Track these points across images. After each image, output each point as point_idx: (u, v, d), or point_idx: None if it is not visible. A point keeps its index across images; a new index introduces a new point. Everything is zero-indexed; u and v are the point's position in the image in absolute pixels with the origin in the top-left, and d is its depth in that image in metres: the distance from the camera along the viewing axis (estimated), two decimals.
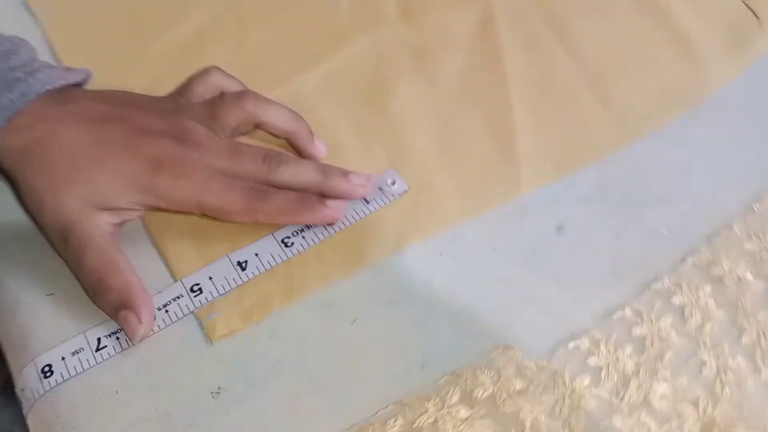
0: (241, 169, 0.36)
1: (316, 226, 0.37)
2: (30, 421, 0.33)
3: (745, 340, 0.35)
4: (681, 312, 0.35)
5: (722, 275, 0.37)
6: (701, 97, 0.44)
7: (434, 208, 0.38)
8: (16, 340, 0.34)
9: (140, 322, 0.33)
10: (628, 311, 0.35)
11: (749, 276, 0.37)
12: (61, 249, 0.35)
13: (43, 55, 0.43)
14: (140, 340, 0.33)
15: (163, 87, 0.41)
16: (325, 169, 0.37)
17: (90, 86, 0.40)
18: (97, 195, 0.34)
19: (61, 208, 0.34)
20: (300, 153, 0.40)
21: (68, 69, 0.39)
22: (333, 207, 0.36)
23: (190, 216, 0.37)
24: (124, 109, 0.37)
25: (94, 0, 0.48)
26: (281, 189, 0.36)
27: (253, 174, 0.36)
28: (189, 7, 0.47)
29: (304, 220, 0.37)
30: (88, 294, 0.34)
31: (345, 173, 0.38)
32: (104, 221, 0.35)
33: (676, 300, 0.36)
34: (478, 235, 0.38)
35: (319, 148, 0.40)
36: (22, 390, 0.33)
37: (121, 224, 0.36)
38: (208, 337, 0.34)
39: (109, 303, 0.33)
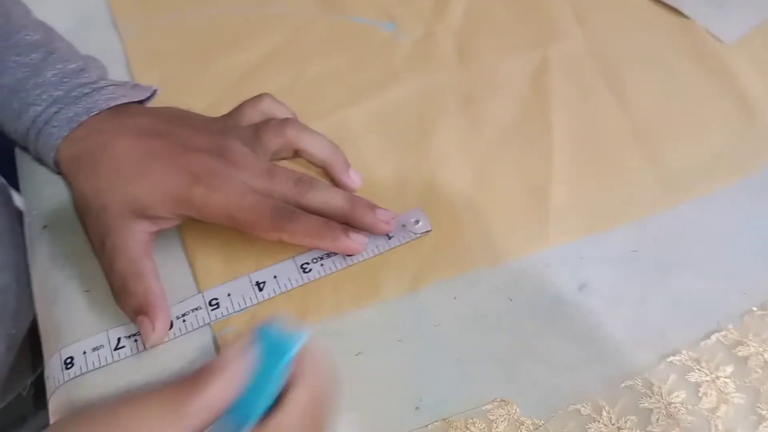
0: (275, 189, 0.37)
1: (335, 254, 0.38)
2: (50, 407, 0.35)
3: (764, 430, 0.33)
4: (696, 390, 0.34)
5: (748, 357, 0.35)
6: (757, 168, 0.42)
7: (456, 250, 0.39)
8: (49, 330, 0.37)
9: (154, 329, 0.35)
10: (638, 381, 0.34)
11: None
12: (97, 251, 0.38)
13: (121, 69, 0.47)
14: (153, 346, 0.35)
15: (223, 108, 0.43)
16: (354, 200, 0.38)
17: (156, 102, 0.44)
18: (137, 203, 0.37)
19: (103, 214, 0.37)
20: (335, 182, 0.41)
21: (135, 86, 0.43)
22: (355, 239, 0.37)
23: (223, 231, 0.38)
24: (173, 126, 0.39)
25: (174, 22, 0.51)
26: (309, 213, 0.38)
27: (285, 195, 0.38)
28: (257, 36, 0.50)
29: (325, 246, 0.38)
30: (113, 295, 0.36)
31: (373, 207, 0.39)
32: (140, 229, 0.37)
33: (693, 377, 0.34)
34: (496, 283, 0.38)
35: (353, 179, 0.41)
36: (47, 377, 0.36)
37: (156, 232, 0.38)
38: (220, 350, 0.35)
39: (130, 307, 0.36)
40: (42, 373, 0.37)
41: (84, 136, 0.39)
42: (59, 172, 0.41)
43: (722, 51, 0.48)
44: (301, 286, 0.37)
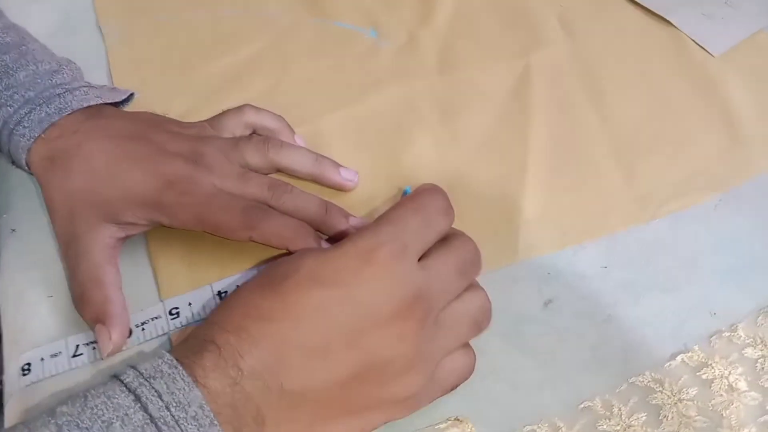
0: (247, 191, 0.37)
1: None
2: (6, 413, 0.35)
3: None
4: (657, 412, 0.33)
5: (712, 379, 0.34)
6: (738, 182, 0.41)
7: None
8: (11, 334, 0.37)
9: (111, 338, 0.34)
10: (597, 402, 0.34)
11: (743, 385, 0.34)
12: (63, 254, 0.38)
13: (102, 74, 0.47)
14: (109, 356, 0.35)
15: (203, 112, 0.43)
16: (328, 207, 0.38)
17: (134, 106, 0.44)
18: (106, 207, 0.36)
19: (71, 217, 0.37)
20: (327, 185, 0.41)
21: (112, 89, 0.43)
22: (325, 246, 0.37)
23: (188, 239, 0.38)
24: (148, 130, 0.39)
25: (158, 25, 0.51)
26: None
27: (257, 198, 0.37)
28: (239, 40, 0.50)
29: (294, 249, 0.36)
30: (73, 301, 0.36)
31: (346, 215, 0.38)
32: (107, 234, 0.37)
33: (655, 399, 0.34)
34: None
35: (345, 176, 0.41)
36: (4, 382, 0.36)
37: (123, 238, 0.38)
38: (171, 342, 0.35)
39: (89, 314, 0.35)
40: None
41: (57, 137, 0.38)
42: (32, 173, 0.41)
43: (709, 63, 0.47)
44: None
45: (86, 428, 0.26)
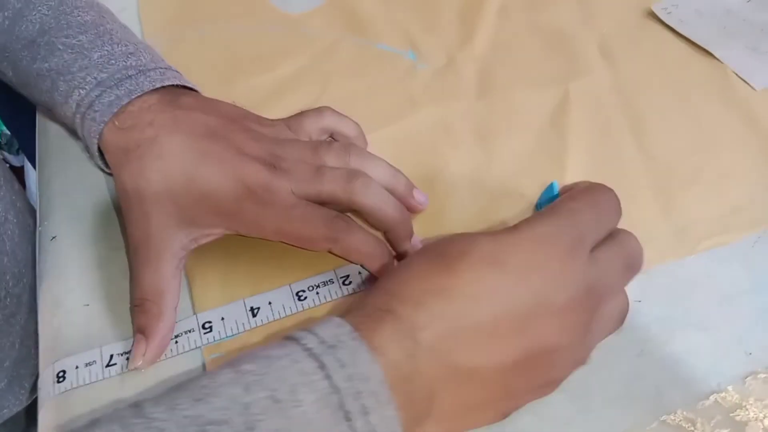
0: (324, 189, 0.36)
1: (331, 282, 0.38)
2: (40, 419, 0.36)
3: None
4: None
5: (747, 422, 0.33)
6: None
7: None
8: (48, 341, 0.38)
9: (145, 354, 0.35)
10: None
11: None
12: (130, 252, 0.37)
13: None
14: (134, 369, 0.35)
15: None
16: (404, 215, 0.38)
17: None
18: (182, 213, 0.36)
19: (146, 218, 0.36)
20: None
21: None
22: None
23: (223, 252, 0.39)
24: (227, 126, 0.38)
25: (201, 38, 0.52)
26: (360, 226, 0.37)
27: (335, 195, 0.36)
28: (281, 56, 0.50)
29: (372, 266, 0.37)
30: (130, 299, 0.37)
31: (410, 234, 0.38)
32: (180, 244, 0.36)
33: None
34: None
35: (418, 199, 0.40)
36: (39, 388, 0.36)
37: (194, 248, 0.38)
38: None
39: (138, 322, 0.36)
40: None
41: (132, 126, 0.37)
42: (103, 162, 0.40)
43: (751, 97, 0.47)
44: (294, 314, 0.37)
45: (272, 390, 0.26)
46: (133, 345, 0.36)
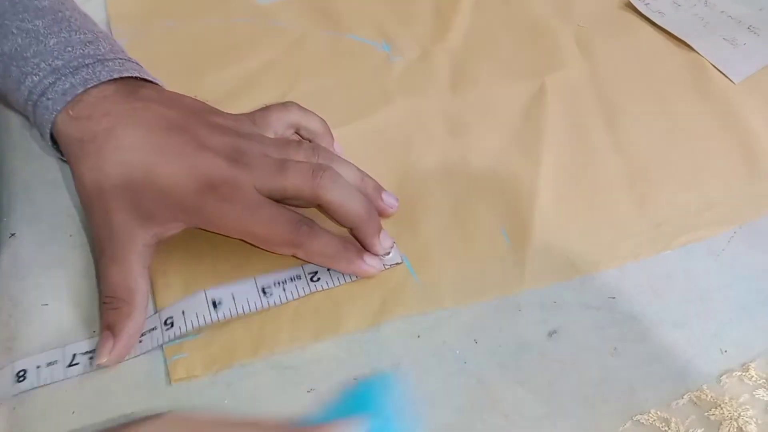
0: (289, 184, 0.35)
1: (298, 278, 0.37)
2: None
3: None
4: None
5: (721, 421, 0.33)
6: (754, 216, 0.40)
7: (425, 287, 0.37)
8: (3, 341, 0.37)
9: (111, 351, 0.34)
10: None
11: (753, 428, 0.32)
12: (96, 250, 0.36)
13: None
14: (100, 366, 0.34)
15: None
16: (371, 212, 0.37)
17: None
18: (143, 209, 0.35)
19: (107, 217, 0.35)
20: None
21: None
22: (369, 263, 0.37)
23: (187, 249, 0.38)
24: (188, 119, 0.36)
25: (168, 30, 0.51)
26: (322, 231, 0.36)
27: (300, 190, 0.35)
28: (251, 49, 0.49)
29: (339, 268, 0.37)
30: (99, 297, 0.36)
31: (379, 230, 0.37)
32: (144, 240, 0.35)
33: None
34: (463, 323, 0.36)
35: (388, 202, 0.39)
36: None
37: (160, 241, 0.36)
38: (169, 377, 0.34)
39: (106, 319, 0.35)
40: None
41: (87, 116, 0.36)
42: (58, 151, 0.38)
43: (729, 90, 0.46)
44: (259, 311, 0.36)
45: None
46: (99, 342, 0.34)
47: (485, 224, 0.40)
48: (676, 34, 0.49)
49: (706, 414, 0.33)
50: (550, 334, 0.36)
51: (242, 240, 0.36)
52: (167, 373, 0.35)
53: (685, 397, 0.33)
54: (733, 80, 0.47)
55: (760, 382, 0.34)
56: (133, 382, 0.35)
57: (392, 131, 0.44)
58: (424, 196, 0.41)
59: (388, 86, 0.47)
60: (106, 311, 0.35)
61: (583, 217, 0.40)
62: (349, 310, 0.36)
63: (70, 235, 0.40)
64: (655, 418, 0.33)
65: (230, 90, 0.47)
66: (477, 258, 0.38)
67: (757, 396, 0.33)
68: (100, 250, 0.36)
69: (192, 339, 0.35)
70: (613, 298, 0.37)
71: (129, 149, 0.35)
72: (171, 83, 0.46)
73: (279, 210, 0.35)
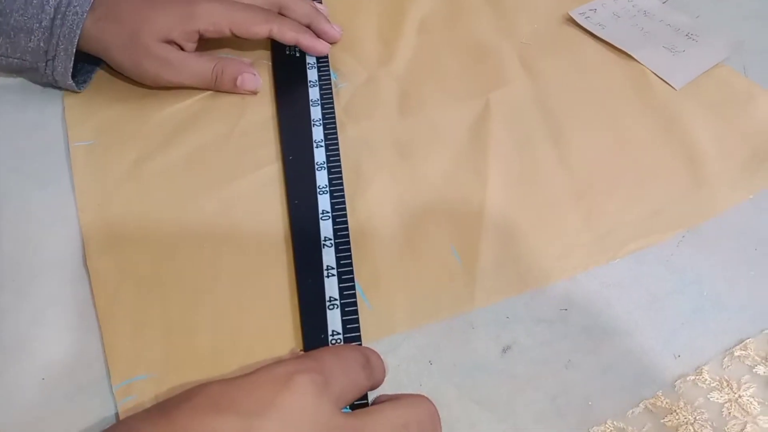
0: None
1: None
2: None
3: None
4: None
5: (676, 427, 0.33)
6: (701, 219, 0.40)
7: (378, 314, 0.37)
8: None
9: (254, 74, 0.48)
10: None
11: None
12: (164, 72, 0.46)
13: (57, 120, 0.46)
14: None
15: (156, 158, 0.44)
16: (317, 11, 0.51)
17: (89, 151, 0.43)
18: (159, 31, 0.45)
19: (149, 47, 0.45)
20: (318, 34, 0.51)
21: None
22: (322, 43, 0.49)
23: (142, 325, 0.37)
24: None
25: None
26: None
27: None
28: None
29: (304, 42, 0.49)
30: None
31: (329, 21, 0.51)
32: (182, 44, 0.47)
33: None
34: (417, 345, 0.36)
35: (336, 29, 0.51)
36: None
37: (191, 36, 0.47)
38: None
39: (225, 79, 0.47)
40: None
41: (98, 4, 0.45)
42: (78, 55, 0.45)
43: (671, 98, 0.47)
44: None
45: None
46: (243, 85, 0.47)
47: (436, 245, 0.39)
48: (617, 45, 0.50)
49: (662, 421, 0.33)
50: (504, 350, 0.36)
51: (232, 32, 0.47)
52: (117, 417, 0.34)
53: (640, 405, 0.33)
54: (674, 87, 0.47)
55: (714, 384, 0.34)
56: (84, 426, 0.34)
57: (341, 157, 0.44)
58: (375, 221, 0.41)
59: (336, 113, 0.47)
60: (219, 81, 0.47)
61: (532, 231, 0.40)
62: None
63: None
64: (611, 428, 0.33)
65: (180, 123, 0.46)
66: (429, 279, 0.38)
67: (711, 399, 0.34)
68: (167, 65, 0.46)
69: (142, 379, 0.35)
70: (565, 309, 0.37)
71: (133, 3, 0.46)
72: (115, 121, 0.47)
73: (252, 4, 0.48)
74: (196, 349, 0.36)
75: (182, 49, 0.47)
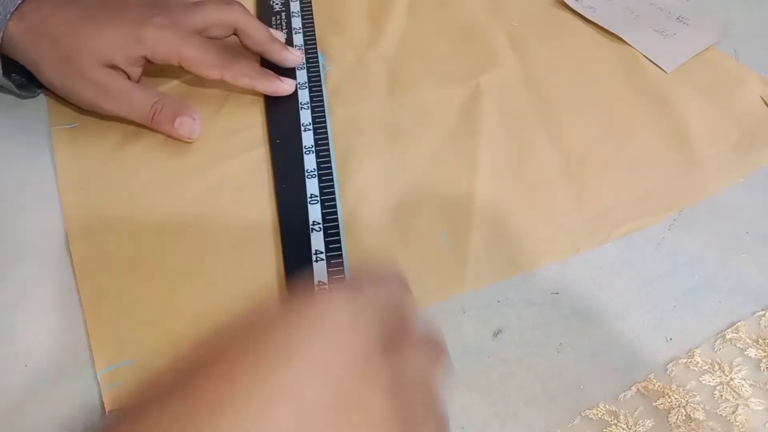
0: (209, 12, 0.43)
1: None
2: None
3: None
4: None
5: (668, 409, 0.32)
6: (692, 202, 0.40)
7: None
8: None
9: (194, 119, 0.42)
10: None
11: (700, 415, 0.32)
12: (100, 100, 0.42)
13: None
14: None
15: (140, 138, 0.42)
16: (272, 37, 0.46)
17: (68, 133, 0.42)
18: (100, 54, 0.41)
19: (86, 71, 0.41)
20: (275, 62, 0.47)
21: None
22: (286, 82, 0.45)
23: (126, 310, 0.36)
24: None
25: None
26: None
27: (218, 17, 0.44)
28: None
29: (261, 87, 0.44)
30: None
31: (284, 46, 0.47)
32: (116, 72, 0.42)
33: None
34: None
35: (295, 53, 0.47)
36: None
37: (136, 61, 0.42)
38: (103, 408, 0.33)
39: (163, 118, 0.42)
40: None
41: (34, 9, 0.41)
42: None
43: (662, 80, 0.47)
44: None
45: None
46: (181, 129, 0.42)
47: (426, 229, 0.39)
48: (607, 28, 0.50)
49: (654, 404, 0.33)
50: (495, 334, 0.35)
51: (181, 65, 0.42)
52: (101, 404, 0.33)
53: (632, 388, 0.33)
54: (666, 70, 0.47)
55: (706, 367, 0.34)
56: (68, 413, 0.33)
57: (331, 140, 0.44)
58: (363, 205, 0.40)
59: (324, 96, 0.46)
60: (158, 117, 0.42)
61: (523, 214, 0.40)
62: None
63: None
64: (603, 412, 0.32)
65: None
66: (419, 264, 0.38)
67: (703, 382, 0.33)
68: (103, 95, 0.41)
69: (126, 365, 0.34)
70: (556, 293, 0.37)
71: (72, 21, 0.41)
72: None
73: (207, 41, 0.43)
74: (181, 335, 0.35)
75: (126, 74, 0.42)
